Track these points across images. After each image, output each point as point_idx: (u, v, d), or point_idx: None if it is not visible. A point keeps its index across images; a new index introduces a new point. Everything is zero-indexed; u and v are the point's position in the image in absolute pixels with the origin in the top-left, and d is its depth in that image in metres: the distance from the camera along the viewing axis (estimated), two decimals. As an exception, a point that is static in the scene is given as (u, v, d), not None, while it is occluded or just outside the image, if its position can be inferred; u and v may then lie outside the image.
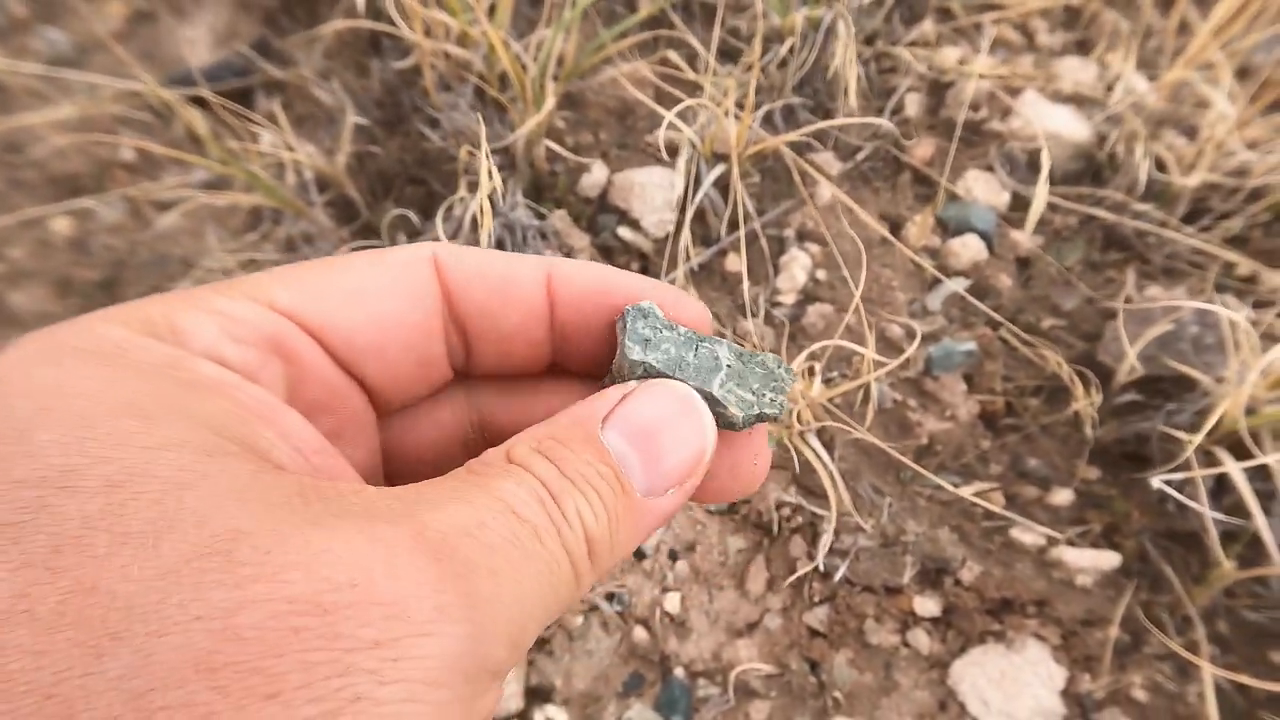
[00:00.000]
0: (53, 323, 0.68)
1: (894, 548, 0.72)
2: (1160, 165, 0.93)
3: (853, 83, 0.92)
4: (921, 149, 0.96)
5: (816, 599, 0.75)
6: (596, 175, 0.96)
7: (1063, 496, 0.80)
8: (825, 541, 0.74)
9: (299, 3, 1.09)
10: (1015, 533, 0.78)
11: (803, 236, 0.90)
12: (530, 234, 0.85)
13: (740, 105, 0.86)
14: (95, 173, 0.98)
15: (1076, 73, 1.02)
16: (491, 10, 0.86)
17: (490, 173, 0.82)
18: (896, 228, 0.92)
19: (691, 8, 1.01)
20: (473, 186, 0.85)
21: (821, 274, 0.87)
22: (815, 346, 0.73)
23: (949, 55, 1.03)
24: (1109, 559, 0.77)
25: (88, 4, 1.07)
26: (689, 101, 0.85)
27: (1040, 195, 0.85)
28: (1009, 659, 0.72)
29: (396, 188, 0.98)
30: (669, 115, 0.86)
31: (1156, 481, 0.71)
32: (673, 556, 0.79)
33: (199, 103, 0.97)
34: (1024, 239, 0.91)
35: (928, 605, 0.71)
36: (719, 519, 0.81)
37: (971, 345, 0.80)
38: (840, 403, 0.79)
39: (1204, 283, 0.88)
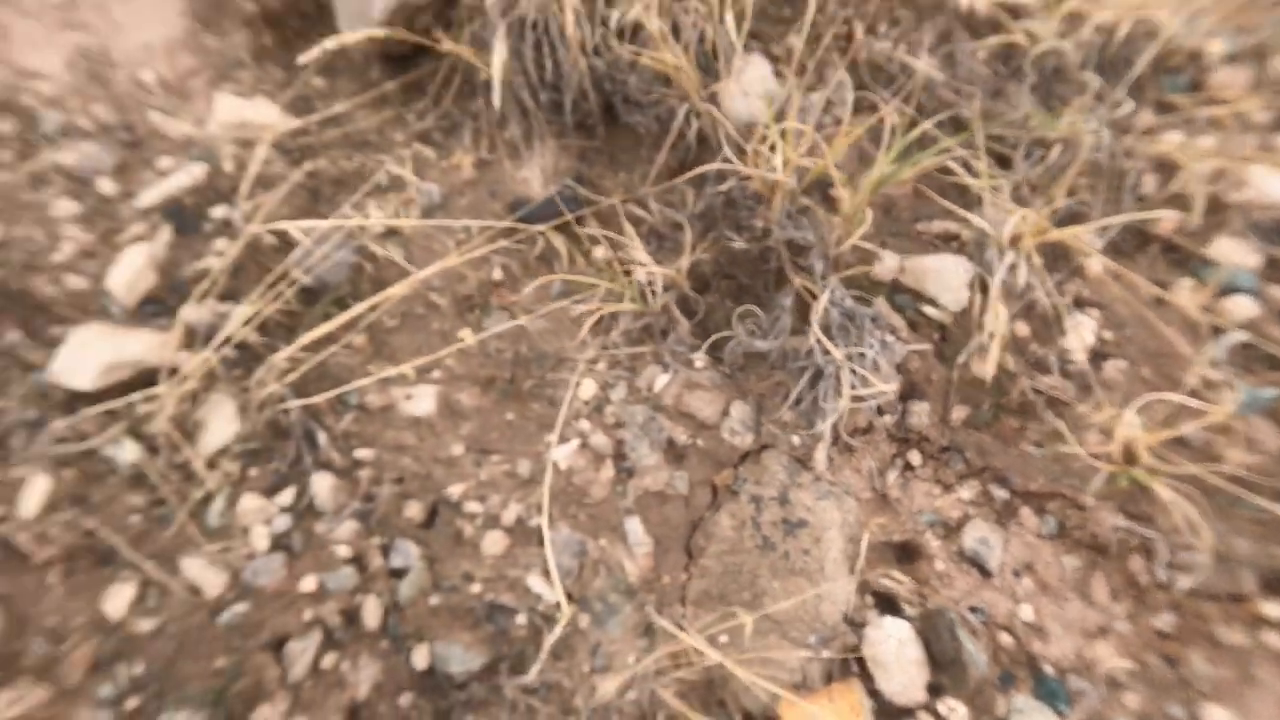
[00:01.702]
0: (485, 416, 0.98)
1: (1229, 563, 0.87)
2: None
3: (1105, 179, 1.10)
4: (1166, 222, 1.13)
5: (1161, 607, 0.89)
6: (889, 263, 1.15)
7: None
8: (1163, 557, 0.88)
9: (606, 146, 1.33)
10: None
11: (1080, 303, 1.07)
12: (863, 319, 1.04)
13: (1020, 202, 1.04)
14: (481, 290, 1.22)
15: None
16: (805, 145, 1.08)
17: (814, 270, 1.03)
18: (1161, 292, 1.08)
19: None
20: (798, 276, 1.06)
21: (1108, 334, 1.03)
22: (1145, 399, 0.89)
23: (1171, 139, 1.20)
24: None
25: (444, 160, 1.34)
26: (988, 199, 1.04)
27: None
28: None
29: (714, 284, 1.19)
30: (966, 214, 1.05)
31: None
32: (1016, 574, 0.95)
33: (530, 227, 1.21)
34: None
35: (1276, 610, 0.85)
36: (1050, 541, 0.96)
37: (1275, 390, 0.95)
38: (1166, 442, 0.95)
39: None
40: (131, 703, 0.86)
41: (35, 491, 0.94)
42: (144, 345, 1.04)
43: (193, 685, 0.88)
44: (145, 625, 0.90)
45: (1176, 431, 0.93)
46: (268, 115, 1.30)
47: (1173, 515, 0.91)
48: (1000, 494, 0.98)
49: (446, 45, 1.28)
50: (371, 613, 0.93)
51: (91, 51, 1.29)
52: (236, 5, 1.40)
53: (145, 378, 1.03)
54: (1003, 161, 1.12)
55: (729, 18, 1.15)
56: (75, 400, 1.01)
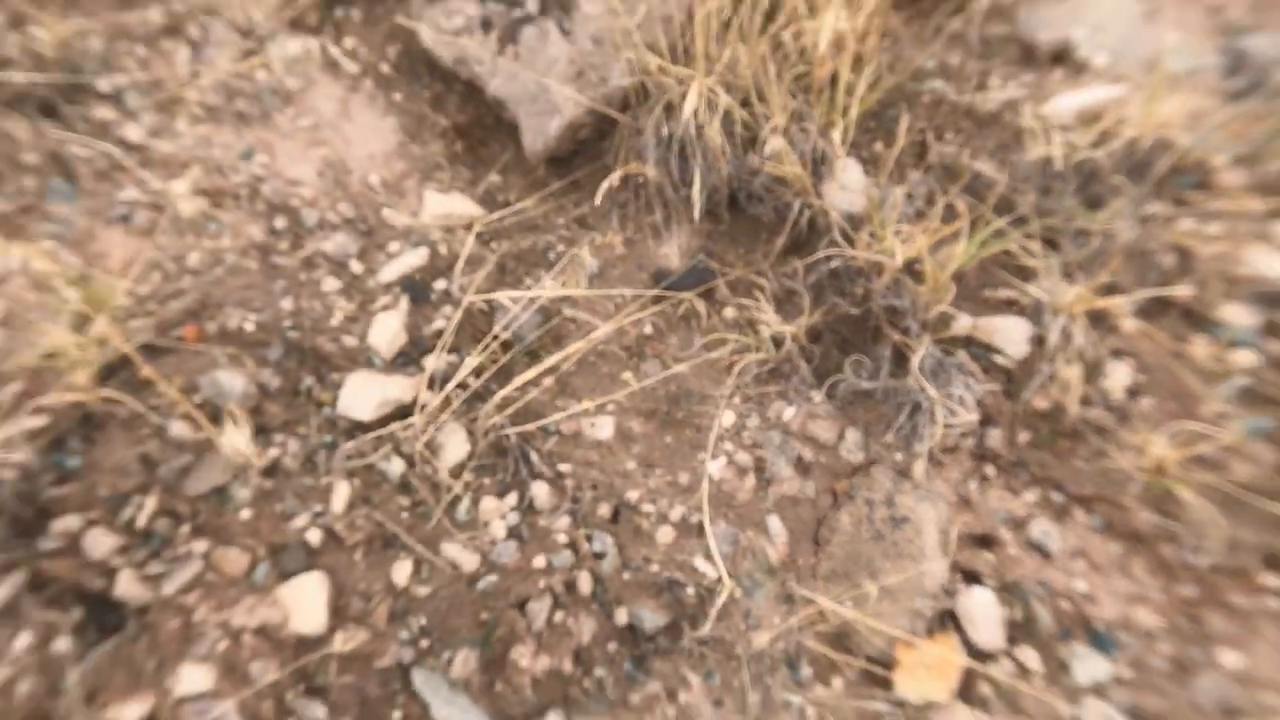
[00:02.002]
0: (650, 440, 1.41)
1: (1237, 548, 1.15)
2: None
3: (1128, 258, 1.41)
4: (1183, 293, 1.43)
5: (1186, 580, 1.18)
6: (964, 322, 1.47)
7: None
8: (1187, 544, 1.17)
9: (730, 230, 1.68)
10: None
11: (1117, 354, 1.37)
12: (950, 366, 1.35)
13: (1068, 276, 1.36)
14: (638, 342, 1.56)
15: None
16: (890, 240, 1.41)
17: (909, 329, 1.35)
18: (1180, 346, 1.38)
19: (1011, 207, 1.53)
20: (894, 333, 1.38)
21: (1140, 377, 1.33)
22: (1171, 426, 1.20)
23: (1186, 228, 1.51)
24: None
25: (599, 239, 1.70)
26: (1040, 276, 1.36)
27: (1283, 316, 1.30)
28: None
29: (825, 338, 1.52)
30: (1025, 286, 1.37)
31: None
32: (1071, 557, 1.24)
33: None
34: None
35: (1274, 581, 1.13)
36: (1098, 533, 1.26)
37: (1271, 421, 1.25)
38: (1188, 459, 1.24)
39: None
40: (423, 643, 1.19)
41: (340, 494, 1.29)
42: (400, 387, 1.39)
43: (463, 633, 1.20)
44: (423, 590, 1.24)
45: (1196, 451, 1.23)
46: (465, 207, 1.67)
47: (1194, 512, 1.20)
48: (1058, 498, 1.28)
49: (609, 160, 1.64)
50: (584, 583, 1.25)
51: (333, 162, 1.68)
52: (434, 121, 1.79)
53: (402, 411, 1.38)
54: (1052, 245, 1.44)
55: (835, 134, 1.49)
56: (355, 428, 1.36)
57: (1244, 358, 1.31)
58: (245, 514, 1.25)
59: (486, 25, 1.67)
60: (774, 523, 1.31)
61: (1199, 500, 1.22)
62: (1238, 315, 1.35)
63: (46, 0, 1.74)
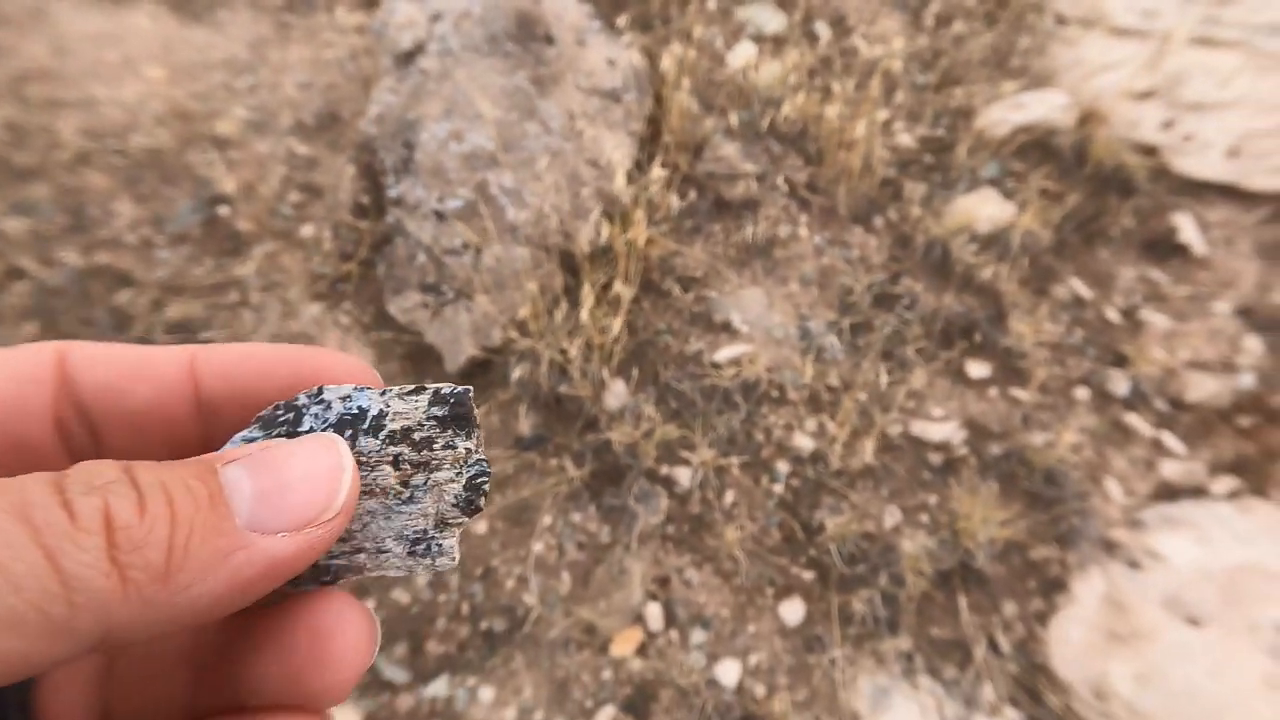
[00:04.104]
0: None
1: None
2: None
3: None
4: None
5: None
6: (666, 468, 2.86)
7: None
8: None
9: (558, 415, 3.07)
10: None
11: (739, 483, 2.78)
12: (652, 492, 2.72)
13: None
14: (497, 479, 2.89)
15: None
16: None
17: (637, 470, 2.75)
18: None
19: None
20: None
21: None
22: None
23: (769, 420, 2.96)
24: None
25: (481, 416, 3.05)
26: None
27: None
28: None
29: (597, 477, 2.89)
30: (691, 455, 2.79)
31: None
32: None
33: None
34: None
35: None
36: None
37: None
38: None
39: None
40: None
41: None
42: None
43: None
44: None
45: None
46: (410, 402, 3.03)
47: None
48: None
49: (495, 375, 3.03)
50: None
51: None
52: (395, 350, 3.15)
53: None
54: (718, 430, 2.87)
55: (606, 370, 2.92)
56: None
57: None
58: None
59: (425, 305, 3.07)
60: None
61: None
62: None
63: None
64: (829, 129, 3.12)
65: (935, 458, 2.63)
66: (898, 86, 3.37)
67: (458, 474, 0.36)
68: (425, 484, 0.36)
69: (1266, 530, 2.34)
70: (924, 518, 2.48)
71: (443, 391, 0.37)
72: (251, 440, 0.36)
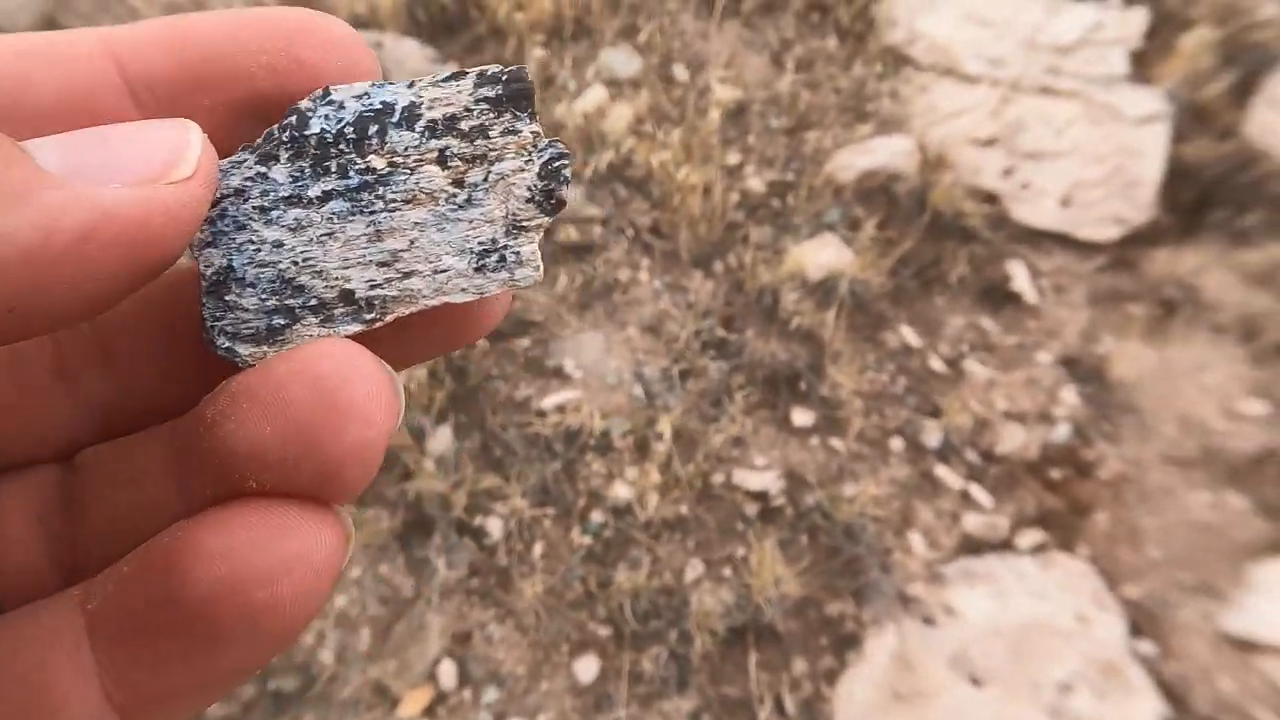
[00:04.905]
0: None
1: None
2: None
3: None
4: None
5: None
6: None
7: None
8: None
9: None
10: None
11: (555, 534, 2.69)
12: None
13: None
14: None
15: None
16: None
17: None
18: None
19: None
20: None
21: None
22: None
23: (591, 467, 2.88)
24: None
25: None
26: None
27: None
28: None
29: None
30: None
31: None
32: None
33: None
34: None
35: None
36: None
37: None
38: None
39: None
40: None
41: None
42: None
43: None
44: None
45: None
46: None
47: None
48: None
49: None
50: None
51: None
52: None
53: None
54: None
55: (431, 415, 2.84)
56: None
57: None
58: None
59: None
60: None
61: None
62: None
63: None
64: (672, 173, 3.10)
65: (751, 508, 2.56)
66: (749, 130, 3.36)
67: (528, 162, 0.29)
68: (486, 180, 0.29)
69: (1065, 586, 2.28)
70: (727, 571, 2.40)
71: (490, 71, 0.29)
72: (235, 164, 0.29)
